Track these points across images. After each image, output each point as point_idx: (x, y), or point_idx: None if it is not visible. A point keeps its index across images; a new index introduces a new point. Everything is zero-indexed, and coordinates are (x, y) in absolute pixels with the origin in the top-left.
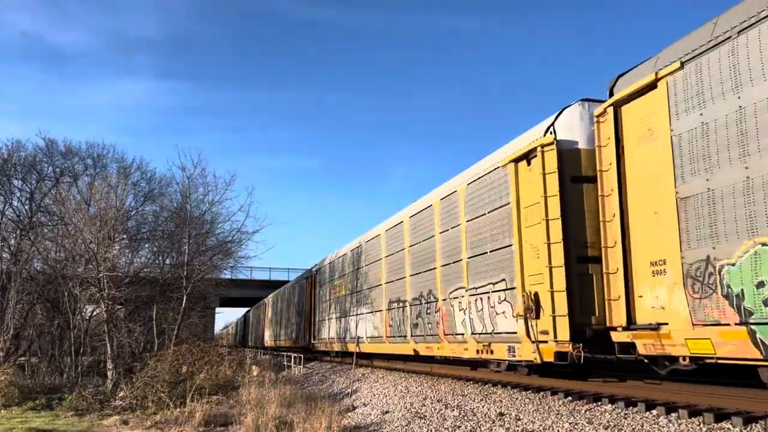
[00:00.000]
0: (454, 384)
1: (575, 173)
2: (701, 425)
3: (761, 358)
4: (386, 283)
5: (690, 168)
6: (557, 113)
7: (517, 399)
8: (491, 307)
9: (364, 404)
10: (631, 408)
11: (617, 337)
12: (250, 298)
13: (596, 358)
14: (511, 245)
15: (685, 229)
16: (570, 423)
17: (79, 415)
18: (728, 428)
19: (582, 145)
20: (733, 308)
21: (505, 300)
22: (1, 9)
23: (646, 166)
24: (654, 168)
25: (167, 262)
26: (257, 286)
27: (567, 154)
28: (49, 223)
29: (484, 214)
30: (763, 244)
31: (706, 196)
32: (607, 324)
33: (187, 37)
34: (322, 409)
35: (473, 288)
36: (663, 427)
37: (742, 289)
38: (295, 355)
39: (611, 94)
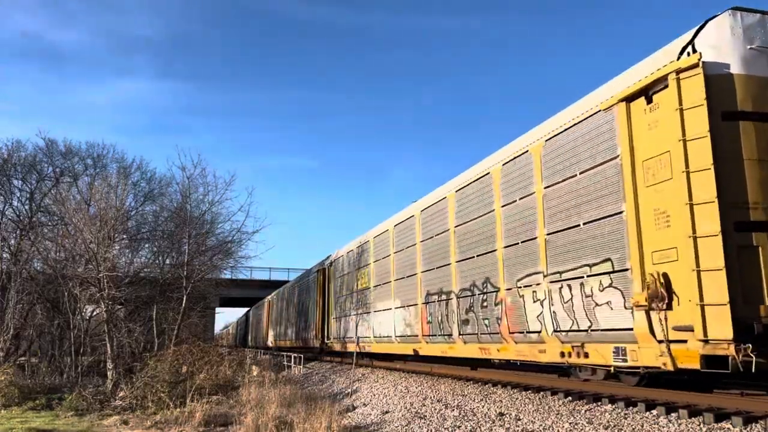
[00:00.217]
0: (454, 384)
1: (728, 107)
2: (701, 425)
3: None
4: (423, 272)
5: None
6: (697, 28)
7: (517, 399)
8: (587, 297)
9: (364, 404)
10: (631, 408)
11: None
12: (250, 298)
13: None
14: (620, 213)
15: None
16: (570, 423)
17: (79, 415)
18: (728, 428)
19: (736, 69)
20: None
21: (610, 286)
22: (1, 9)
23: None
24: None
25: (167, 262)
26: (257, 286)
27: (716, 82)
28: (49, 223)
29: (573, 176)
30: None
31: None
32: None
33: (187, 36)
34: (322, 409)
35: (556, 273)
36: (663, 427)
37: None
38: (296, 355)
39: None
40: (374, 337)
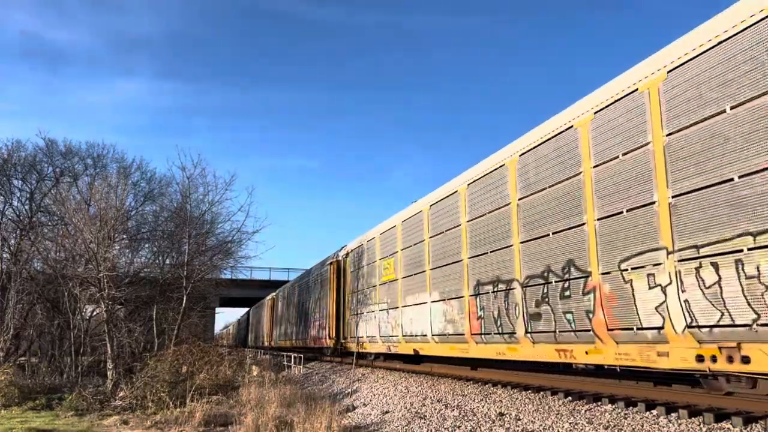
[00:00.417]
0: (454, 384)
1: None
2: (701, 425)
3: None
4: (471, 257)
5: None
6: None
7: (517, 399)
8: (749, 278)
9: (364, 404)
10: (631, 408)
11: None
12: (250, 298)
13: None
14: None
15: None
16: (570, 423)
17: (79, 415)
18: (728, 428)
19: None
20: None
21: None
22: (1, 9)
23: None
24: None
25: (167, 262)
26: (257, 286)
27: None
28: (49, 223)
29: (722, 111)
30: None
31: None
32: None
33: (187, 36)
34: (322, 408)
35: (690, 248)
36: (663, 427)
37: None
38: (296, 355)
39: None
40: (403, 336)
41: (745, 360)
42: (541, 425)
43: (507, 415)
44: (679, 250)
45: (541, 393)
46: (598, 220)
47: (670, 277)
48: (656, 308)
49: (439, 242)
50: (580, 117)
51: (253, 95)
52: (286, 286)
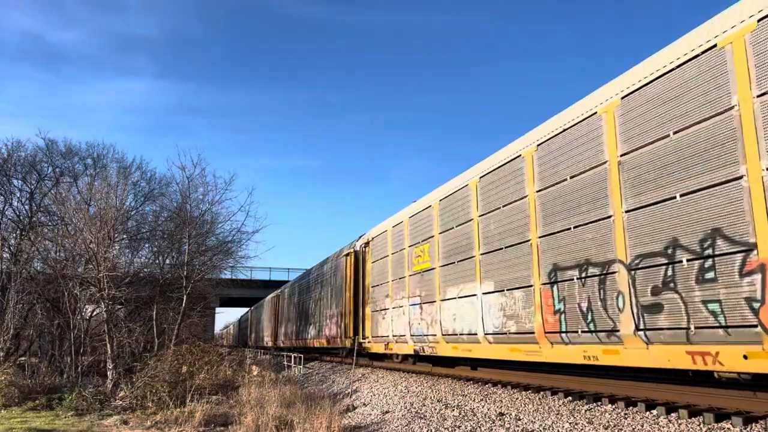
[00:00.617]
0: (454, 384)
1: None
2: (701, 425)
3: None
4: (543, 236)
5: None
6: None
7: (517, 399)
8: None
9: (364, 404)
10: (631, 408)
11: None
12: (250, 298)
13: None
14: None
15: None
16: (570, 423)
17: (79, 415)
18: (728, 428)
19: None
20: None
21: None
22: (1, 9)
23: None
24: None
25: (167, 262)
26: (257, 286)
27: None
28: (49, 223)
29: None
30: None
31: None
32: None
33: (187, 36)
34: (322, 408)
35: None
36: (663, 427)
37: None
38: (296, 355)
39: None
40: (443, 335)
41: None
42: (541, 425)
43: (507, 415)
44: None
45: (541, 393)
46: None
47: None
48: None
49: (493, 221)
50: (725, 33)
51: (253, 95)
52: (292, 282)
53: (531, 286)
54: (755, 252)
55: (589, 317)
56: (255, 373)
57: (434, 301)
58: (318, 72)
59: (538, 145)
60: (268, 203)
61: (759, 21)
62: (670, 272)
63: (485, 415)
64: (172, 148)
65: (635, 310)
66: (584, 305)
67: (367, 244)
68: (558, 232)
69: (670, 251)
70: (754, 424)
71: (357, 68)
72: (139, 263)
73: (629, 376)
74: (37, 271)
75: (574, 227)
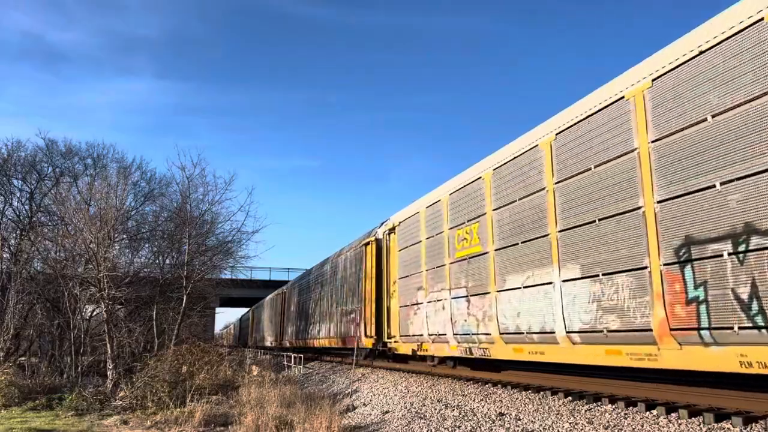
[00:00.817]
0: (454, 384)
1: None
2: (701, 425)
3: None
4: (663, 201)
5: None
6: None
7: (517, 399)
8: None
9: (364, 404)
10: (631, 408)
11: None
12: (250, 298)
13: None
14: None
15: None
16: (570, 423)
17: (79, 415)
18: (728, 428)
19: None
20: None
21: None
22: (1, 9)
23: None
24: None
25: (167, 262)
26: (257, 286)
27: None
28: (49, 223)
29: None
30: None
31: None
32: None
33: (187, 36)
34: (322, 408)
35: None
36: (663, 427)
37: None
38: (296, 355)
39: None
40: (501, 333)
41: None
42: (541, 425)
43: (507, 415)
44: None
45: (541, 393)
46: None
47: None
48: None
49: (577, 188)
50: None
51: (253, 95)
52: (299, 278)
53: (644, 267)
54: None
55: (755, 307)
56: (255, 373)
57: (487, 293)
58: (318, 72)
59: (654, 80)
60: (268, 203)
61: None
62: None
63: (485, 415)
64: (172, 148)
65: None
66: (745, 291)
67: (392, 230)
68: (691, 192)
69: None
70: (754, 424)
71: (357, 68)
72: (139, 263)
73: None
74: (37, 271)
75: (724, 182)
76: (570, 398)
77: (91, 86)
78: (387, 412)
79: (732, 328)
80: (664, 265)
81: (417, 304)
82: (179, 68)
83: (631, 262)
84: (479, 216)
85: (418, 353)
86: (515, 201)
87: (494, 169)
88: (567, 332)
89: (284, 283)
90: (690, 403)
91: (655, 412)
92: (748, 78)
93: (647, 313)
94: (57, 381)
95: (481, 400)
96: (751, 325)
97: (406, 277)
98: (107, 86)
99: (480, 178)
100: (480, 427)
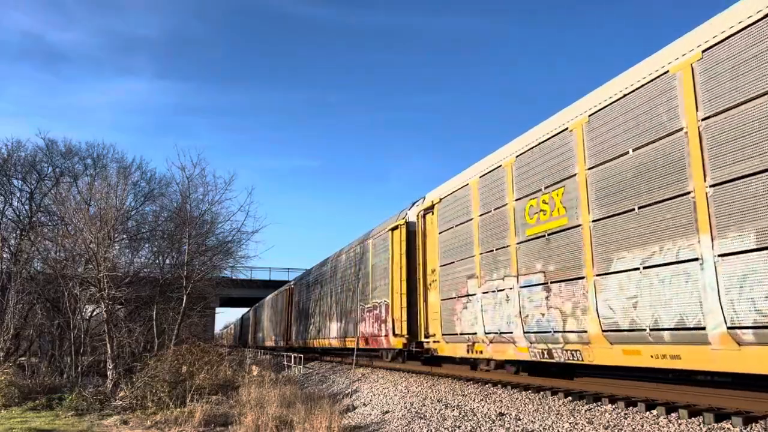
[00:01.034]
0: (454, 384)
1: None
2: (701, 425)
3: None
4: None
5: None
6: None
7: (517, 399)
8: None
9: (364, 404)
10: (631, 408)
11: None
12: (250, 298)
13: None
14: None
15: None
16: (570, 423)
17: (79, 415)
18: (728, 428)
19: None
20: None
21: None
22: (1, 9)
23: None
24: None
25: (167, 262)
26: (257, 286)
27: None
28: (49, 223)
29: None
30: None
31: None
32: None
33: (186, 36)
34: (322, 408)
35: None
36: (663, 427)
37: None
38: (296, 355)
39: None
40: (604, 331)
41: None
42: (541, 425)
43: (507, 415)
44: None
45: (541, 393)
46: None
47: None
48: None
49: (744, 121)
50: None
51: (253, 95)
52: (308, 272)
53: None
54: None
55: None
56: (255, 373)
57: (579, 278)
58: (318, 72)
59: None
60: (268, 203)
61: None
62: None
63: (485, 415)
64: (171, 148)
65: None
66: None
67: (428, 209)
68: None
69: None
70: (754, 424)
71: (357, 68)
72: (139, 263)
73: (633, 376)
74: (37, 271)
75: None
76: (570, 398)
77: (91, 86)
78: (387, 412)
79: None
80: None
81: (467, 296)
82: (179, 68)
83: None
84: (564, 179)
85: (470, 356)
86: (627, 153)
87: (589, 116)
88: (729, 328)
89: (284, 283)
90: (690, 403)
91: (655, 412)
92: None
93: None
94: (57, 381)
95: (481, 400)
96: None
97: (450, 264)
98: (107, 86)
99: (566, 129)
100: (480, 427)
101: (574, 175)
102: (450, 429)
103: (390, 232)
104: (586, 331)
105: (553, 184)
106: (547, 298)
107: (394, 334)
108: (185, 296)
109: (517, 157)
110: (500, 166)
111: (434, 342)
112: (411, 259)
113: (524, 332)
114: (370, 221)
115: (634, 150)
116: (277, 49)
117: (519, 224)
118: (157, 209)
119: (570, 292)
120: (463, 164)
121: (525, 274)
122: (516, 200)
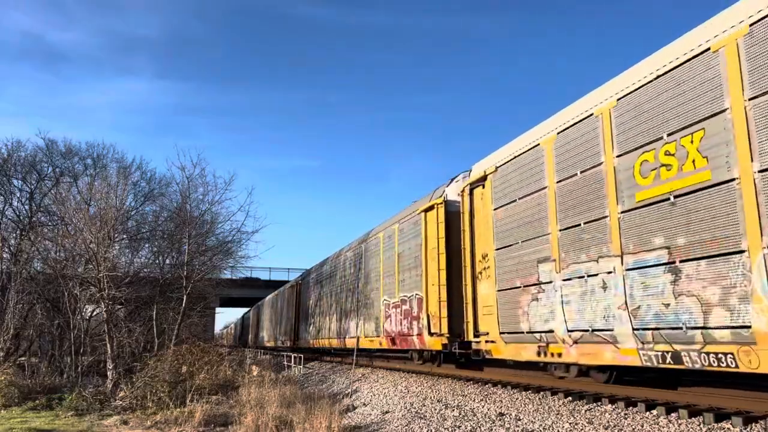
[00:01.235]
0: (454, 384)
1: None
2: (701, 425)
3: None
4: None
5: None
6: None
7: (517, 399)
8: None
9: (364, 404)
10: (631, 408)
11: None
12: (250, 298)
13: None
14: None
15: None
16: (570, 423)
17: (79, 415)
18: (728, 428)
19: None
20: None
21: None
22: (1, 9)
23: None
24: None
25: (167, 262)
26: (257, 286)
27: None
28: (49, 223)
29: None
30: None
31: None
32: None
33: (186, 36)
34: (322, 408)
35: None
36: (663, 427)
37: None
38: (295, 355)
39: None
40: None
41: None
42: (541, 425)
43: (507, 415)
44: None
45: (541, 393)
46: None
47: None
48: None
49: None
50: None
51: (253, 95)
52: (319, 265)
53: None
54: None
55: None
56: (255, 373)
57: (738, 252)
58: (318, 72)
59: None
60: (268, 203)
61: None
62: None
63: (485, 415)
64: (171, 148)
65: None
66: None
67: (479, 182)
68: None
69: None
70: (754, 424)
71: (357, 68)
72: (139, 263)
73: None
74: (37, 271)
75: None
76: (570, 398)
77: (91, 86)
78: (387, 412)
79: None
80: None
81: (537, 284)
82: (179, 68)
83: None
84: (705, 119)
85: (543, 359)
86: None
87: (751, 25)
88: None
89: (284, 283)
90: (690, 403)
91: (655, 412)
92: None
93: None
94: (57, 381)
95: (481, 400)
96: None
97: (510, 246)
98: (107, 86)
99: (707, 50)
100: (480, 427)
101: (724, 110)
102: (450, 429)
103: (423, 214)
104: (749, 327)
105: (684, 127)
106: (674, 282)
107: (430, 333)
108: (185, 296)
109: (618, 100)
110: (591, 115)
111: (487, 342)
112: (451, 244)
113: (633, 329)
114: (370, 221)
115: None
116: (277, 49)
117: (624, 188)
118: (157, 209)
119: (716, 273)
120: (463, 164)
121: (634, 252)
122: (618, 156)
